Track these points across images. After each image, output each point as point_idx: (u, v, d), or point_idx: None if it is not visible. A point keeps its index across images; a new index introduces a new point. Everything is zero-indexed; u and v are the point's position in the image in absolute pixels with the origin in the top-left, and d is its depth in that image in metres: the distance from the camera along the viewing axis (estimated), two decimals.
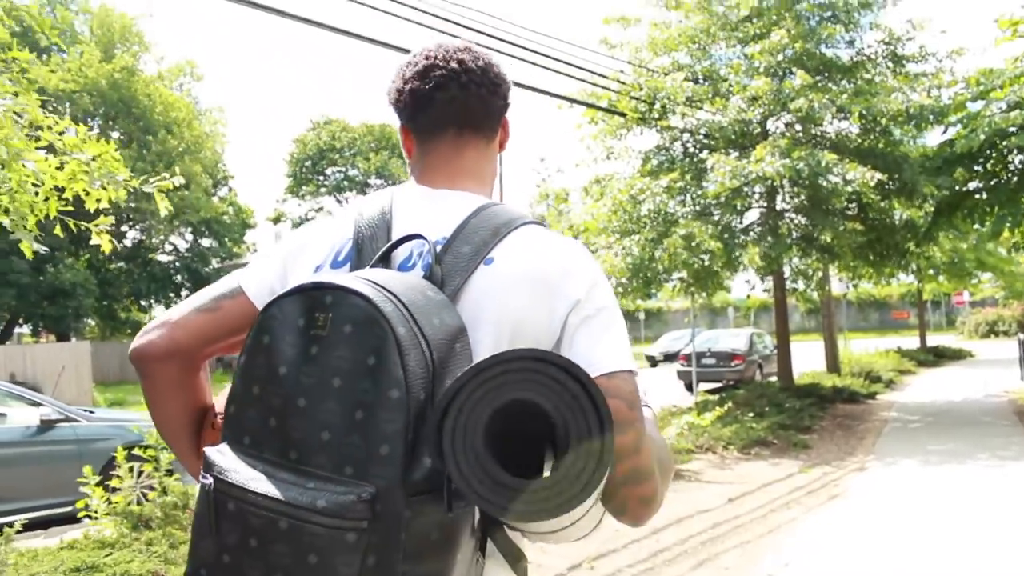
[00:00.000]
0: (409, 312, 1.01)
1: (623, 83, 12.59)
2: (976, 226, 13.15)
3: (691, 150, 12.71)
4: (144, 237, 40.56)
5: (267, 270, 1.30)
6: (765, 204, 13.14)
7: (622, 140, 13.38)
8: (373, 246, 1.21)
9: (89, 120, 35.28)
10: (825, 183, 11.17)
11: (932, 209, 13.19)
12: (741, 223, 13.32)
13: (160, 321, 1.30)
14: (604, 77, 12.25)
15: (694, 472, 8.38)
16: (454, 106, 1.29)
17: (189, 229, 44.79)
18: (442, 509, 0.96)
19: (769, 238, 11.24)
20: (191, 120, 37.18)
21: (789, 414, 11.64)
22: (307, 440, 1.00)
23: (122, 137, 36.76)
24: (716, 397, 13.88)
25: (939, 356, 25.09)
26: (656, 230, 11.07)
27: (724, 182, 10.63)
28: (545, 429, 0.94)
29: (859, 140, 12.87)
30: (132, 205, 35.98)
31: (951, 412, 12.99)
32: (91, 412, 8.82)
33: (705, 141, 12.95)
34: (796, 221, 12.51)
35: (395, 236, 1.21)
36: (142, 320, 48.43)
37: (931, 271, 24.86)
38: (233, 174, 49.63)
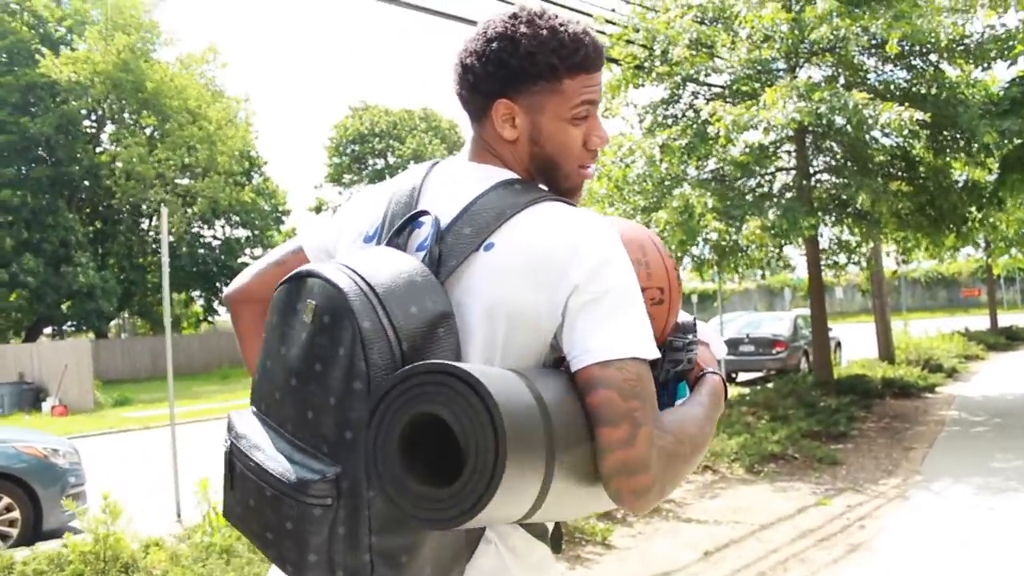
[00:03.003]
0: (381, 302, 1.06)
1: (615, 24, 10.57)
2: None
3: (699, 104, 10.58)
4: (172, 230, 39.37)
5: (324, 231, 1.41)
6: (795, 164, 11.02)
7: (623, 95, 11.32)
8: (397, 223, 1.25)
9: (101, 108, 34.30)
10: (867, 135, 9.06)
11: (998, 166, 10.91)
12: (768, 187, 11.19)
13: (245, 271, 1.51)
14: (589, 16, 10.25)
15: (674, 505, 6.41)
16: (459, 99, 1.31)
17: (221, 220, 43.87)
18: None
19: (778, 206, 9.02)
20: (208, 106, 35.80)
21: (820, 417, 9.54)
22: (297, 416, 1.12)
23: (148, 127, 35.74)
24: (748, 391, 11.77)
25: (1012, 338, 22.37)
26: (648, 198, 9.04)
27: (728, 136, 8.55)
28: None
29: (906, 85, 10.66)
30: (153, 199, 35.05)
31: None
32: None
33: (721, 92, 10.89)
34: (828, 182, 10.35)
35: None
36: (180, 313, 47.92)
37: (1001, 243, 22.23)
38: (266, 160, 48.48)
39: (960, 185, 11.04)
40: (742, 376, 18.21)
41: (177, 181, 36.13)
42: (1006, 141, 9.42)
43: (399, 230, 1.21)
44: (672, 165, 9.22)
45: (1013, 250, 22.23)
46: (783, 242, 9.19)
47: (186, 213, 37.96)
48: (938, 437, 9.07)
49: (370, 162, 57.81)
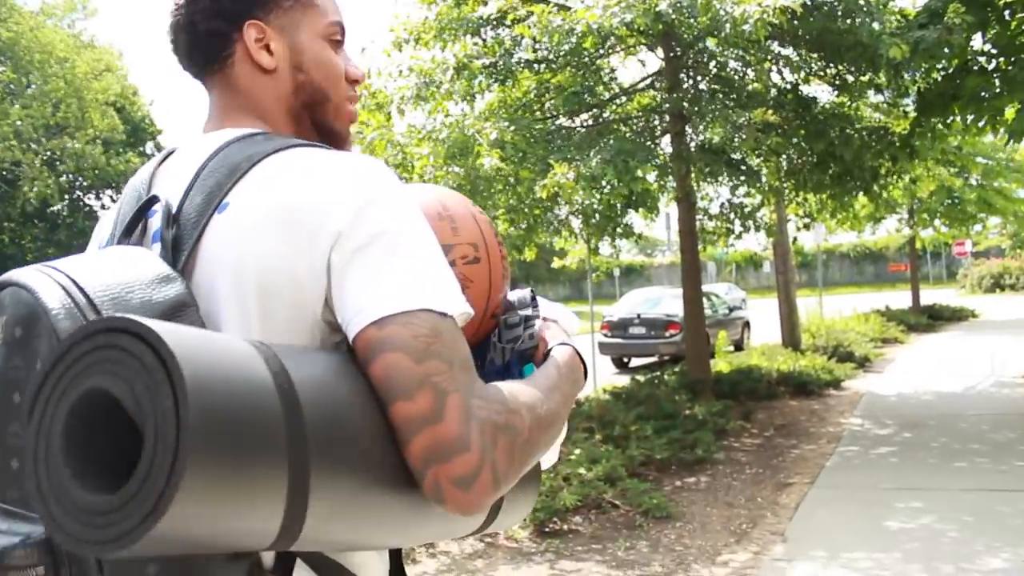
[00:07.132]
0: (89, 301, 0.80)
1: None
2: (982, 127, 8.41)
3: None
4: (46, 197, 35.68)
5: None
6: (663, 102, 8.53)
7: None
8: (127, 220, 0.98)
9: None
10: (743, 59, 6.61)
11: (914, 108, 8.59)
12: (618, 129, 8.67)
13: None
14: None
15: None
16: (180, 48, 1.06)
17: (111, 189, 40.50)
18: None
19: (605, 147, 6.46)
20: (76, 57, 32.17)
21: (676, 434, 7.08)
22: None
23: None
24: (623, 384, 9.29)
25: (935, 318, 20.38)
26: (418, 134, 6.43)
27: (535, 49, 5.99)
28: None
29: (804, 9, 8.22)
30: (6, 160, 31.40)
31: (943, 419, 8.40)
32: None
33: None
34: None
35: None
36: None
37: (925, 215, 20.29)
38: (161, 128, 45.16)
39: (866, 131, 8.66)
40: (635, 362, 16.01)
41: (44, 140, 32.37)
42: (923, 66, 6.99)
43: (129, 227, 0.95)
44: (465, 90, 6.62)
45: (937, 222, 20.36)
46: (613, 200, 6.66)
47: (59, 178, 34.42)
48: (825, 466, 6.66)
49: None
